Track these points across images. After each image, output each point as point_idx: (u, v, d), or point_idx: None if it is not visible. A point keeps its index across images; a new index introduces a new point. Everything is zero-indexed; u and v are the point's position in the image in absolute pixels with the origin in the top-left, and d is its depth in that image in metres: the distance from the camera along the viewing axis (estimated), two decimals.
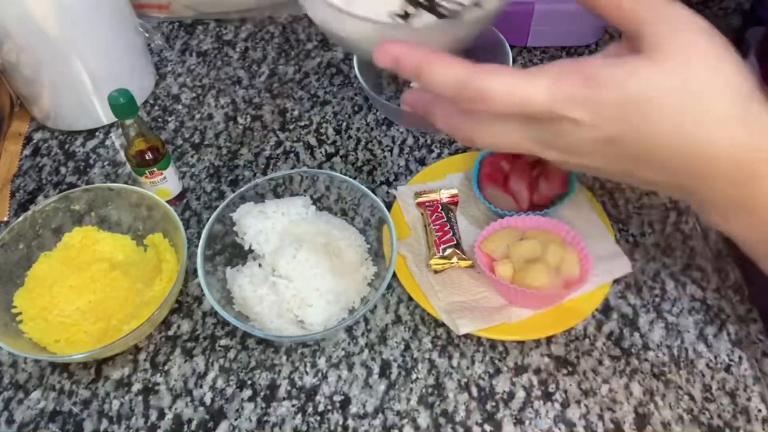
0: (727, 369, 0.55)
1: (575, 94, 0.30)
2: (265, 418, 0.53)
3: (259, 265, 0.59)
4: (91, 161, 0.73)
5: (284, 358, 0.56)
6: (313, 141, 0.74)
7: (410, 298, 0.59)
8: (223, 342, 0.57)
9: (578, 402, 0.53)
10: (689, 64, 0.30)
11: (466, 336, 0.56)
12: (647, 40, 0.31)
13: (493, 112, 0.33)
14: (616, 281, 0.60)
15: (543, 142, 0.34)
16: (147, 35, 0.82)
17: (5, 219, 0.68)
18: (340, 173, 0.64)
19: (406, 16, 0.43)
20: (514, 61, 0.79)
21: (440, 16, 0.43)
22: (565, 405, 0.53)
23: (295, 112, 0.77)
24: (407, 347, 0.56)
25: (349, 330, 0.58)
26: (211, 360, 0.56)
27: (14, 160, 0.73)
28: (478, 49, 0.75)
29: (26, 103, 0.76)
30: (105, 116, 0.76)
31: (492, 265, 0.56)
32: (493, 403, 0.53)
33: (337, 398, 0.54)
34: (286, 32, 0.88)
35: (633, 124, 0.31)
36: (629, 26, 0.32)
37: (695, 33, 0.31)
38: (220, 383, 0.55)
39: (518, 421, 0.52)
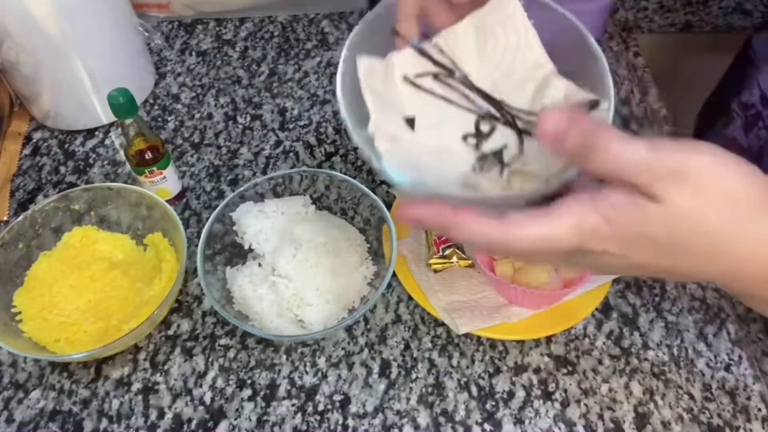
0: (727, 368, 0.55)
1: (600, 232, 0.32)
2: (265, 418, 0.53)
3: (259, 264, 0.59)
4: (91, 161, 0.73)
5: (284, 357, 0.56)
6: (312, 140, 0.74)
7: (410, 298, 0.59)
8: (222, 341, 0.57)
9: (578, 401, 0.53)
10: (699, 206, 0.31)
11: (466, 335, 0.56)
12: (651, 190, 0.31)
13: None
14: (616, 280, 0.60)
15: (574, 263, 0.35)
16: (147, 34, 0.82)
17: (5, 218, 0.68)
18: (340, 173, 0.64)
19: (479, 134, 0.40)
20: None
21: (519, 131, 0.39)
22: (564, 404, 0.53)
23: (295, 112, 0.77)
24: (407, 347, 0.56)
25: (348, 329, 0.58)
26: (210, 359, 0.56)
27: (14, 160, 0.73)
28: None
29: (26, 103, 0.76)
30: (105, 116, 0.76)
31: (492, 264, 0.56)
32: (493, 403, 0.53)
33: (337, 397, 0.54)
34: (286, 31, 0.88)
35: (658, 255, 0.32)
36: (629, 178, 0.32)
37: (697, 171, 0.31)
38: (219, 383, 0.55)
39: (518, 421, 0.52)
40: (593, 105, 0.37)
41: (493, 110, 0.40)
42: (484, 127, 0.40)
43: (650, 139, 0.30)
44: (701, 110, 0.86)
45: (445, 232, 0.34)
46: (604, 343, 0.56)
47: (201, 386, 0.55)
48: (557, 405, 0.53)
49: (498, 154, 0.39)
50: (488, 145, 0.40)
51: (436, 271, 0.59)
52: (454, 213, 0.33)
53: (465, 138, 0.40)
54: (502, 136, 0.39)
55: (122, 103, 0.57)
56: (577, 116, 0.31)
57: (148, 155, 0.62)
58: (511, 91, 0.40)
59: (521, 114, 0.40)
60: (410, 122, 0.40)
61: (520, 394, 0.53)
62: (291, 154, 0.72)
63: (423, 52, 0.41)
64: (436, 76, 0.41)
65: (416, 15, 0.40)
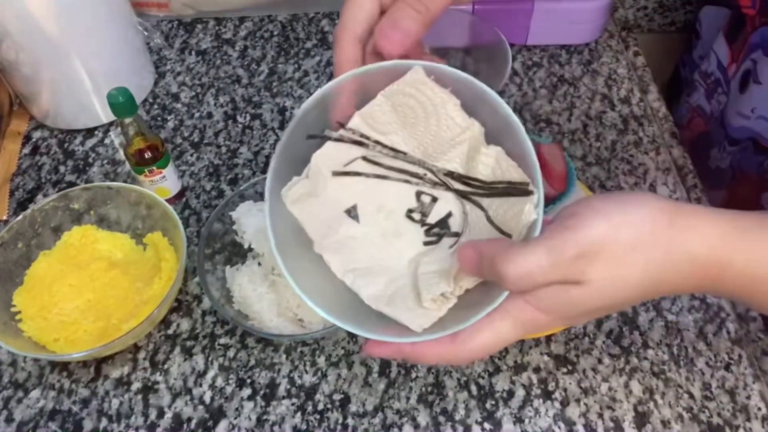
0: (727, 367, 0.55)
1: (539, 322, 0.36)
2: (265, 417, 0.53)
3: (259, 263, 0.59)
4: (91, 160, 0.73)
5: (284, 356, 0.56)
6: None
7: None
8: (222, 341, 0.57)
9: (578, 400, 0.53)
10: (616, 272, 0.34)
11: None
12: (571, 279, 0.34)
13: None
14: None
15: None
16: (146, 34, 0.82)
17: (4, 218, 0.68)
18: None
19: (422, 206, 0.40)
20: (513, 59, 0.79)
21: (461, 194, 0.40)
22: (564, 403, 0.53)
23: (295, 111, 0.77)
24: None
25: None
26: (210, 359, 0.56)
27: (13, 159, 0.73)
28: (479, 48, 0.75)
29: (25, 102, 0.76)
30: (104, 115, 0.76)
31: None
32: (493, 402, 0.53)
33: (337, 397, 0.54)
34: (286, 31, 0.87)
35: (598, 315, 0.37)
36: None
37: (599, 243, 0.33)
38: (219, 382, 0.55)
39: (518, 420, 0.52)
40: (522, 190, 0.37)
41: (430, 177, 0.40)
42: (426, 198, 0.41)
43: (547, 238, 0.33)
44: (668, 82, 0.89)
45: (408, 360, 0.41)
46: (603, 342, 0.56)
47: (201, 385, 0.55)
48: (557, 404, 0.53)
49: (444, 223, 0.40)
50: (433, 216, 0.41)
51: None
52: (412, 348, 0.37)
53: (410, 213, 0.41)
54: (446, 204, 0.41)
55: (122, 102, 0.57)
56: (483, 249, 0.35)
57: (148, 154, 0.62)
58: (443, 156, 0.40)
59: (459, 179, 0.40)
60: (351, 212, 0.41)
61: (520, 393, 0.53)
62: None
63: (344, 139, 0.40)
64: (365, 158, 0.40)
65: (354, 103, 0.40)
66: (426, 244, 0.41)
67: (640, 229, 0.33)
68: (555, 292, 0.34)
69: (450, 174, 0.40)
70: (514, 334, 0.36)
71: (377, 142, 0.40)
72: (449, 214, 0.40)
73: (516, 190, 0.38)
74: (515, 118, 0.37)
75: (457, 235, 0.40)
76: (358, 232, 0.41)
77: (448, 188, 0.40)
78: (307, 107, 0.39)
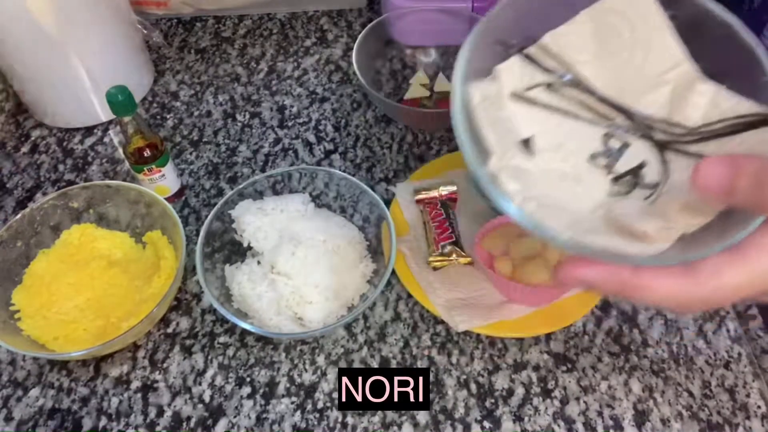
0: (727, 365, 0.55)
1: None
2: (264, 416, 0.53)
3: (258, 262, 0.58)
4: (90, 158, 0.73)
5: (283, 355, 0.56)
6: (311, 138, 0.74)
7: (409, 295, 0.59)
8: (222, 339, 0.57)
9: (577, 399, 0.53)
10: None
11: (466, 333, 0.56)
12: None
13: None
14: None
15: (763, 294, 0.31)
16: (145, 32, 0.82)
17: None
18: (339, 170, 0.64)
19: (609, 152, 0.34)
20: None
21: (659, 144, 0.34)
22: (564, 402, 0.53)
23: (294, 109, 0.77)
24: (406, 344, 0.56)
25: (348, 327, 0.58)
26: (210, 357, 0.56)
27: None
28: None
29: (23, 98, 0.76)
30: (103, 113, 0.76)
31: (491, 262, 0.56)
32: (493, 400, 0.53)
33: (336, 395, 0.54)
34: (285, 29, 0.87)
35: None
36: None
37: None
38: (219, 380, 0.55)
39: (517, 418, 0.52)
40: (760, 121, 0.31)
41: (622, 121, 0.34)
42: (614, 143, 0.34)
43: None
44: None
45: (622, 295, 0.30)
46: (603, 341, 0.56)
47: (200, 384, 0.55)
48: (556, 402, 0.53)
49: (636, 172, 0.34)
50: (622, 165, 0.34)
51: (435, 268, 0.59)
52: (633, 274, 0.29)
53: (594, 158, 0.34)
54: (639, 152, 0.34)
55: (121, 101, 0.57)
56: (741, 161, 0.27)
57: (147, 153, 0.61)
58: (642, 97, 0.34)
59: (658, 124, 0.34)
60: (527, 144, 0.34)
61: (520, 391, 0.53)
62: (290, 152, 0.72)
63: (530, 58, 0.35)
64: (549, 86, 0.35)
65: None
66: (611, 195, 0.34)
67: None
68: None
69: (648, 118, 0.34)
70: (743, 292, 0.28)
71: (567, 72, 0.35)
72: (643, 164, 0.34)
73: (747, 124, 0.31)
74: (757, 48, 0.31)
75: (654, 186, 0.33)
76: (532, 167, 0.34)
77: (645, 135, 0.34)
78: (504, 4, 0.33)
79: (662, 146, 0.34)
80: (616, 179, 0.34)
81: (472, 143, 0.31)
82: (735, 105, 0.32)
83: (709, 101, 0.33)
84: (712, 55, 0.33)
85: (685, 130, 0.33)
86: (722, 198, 0.28)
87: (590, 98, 0.35)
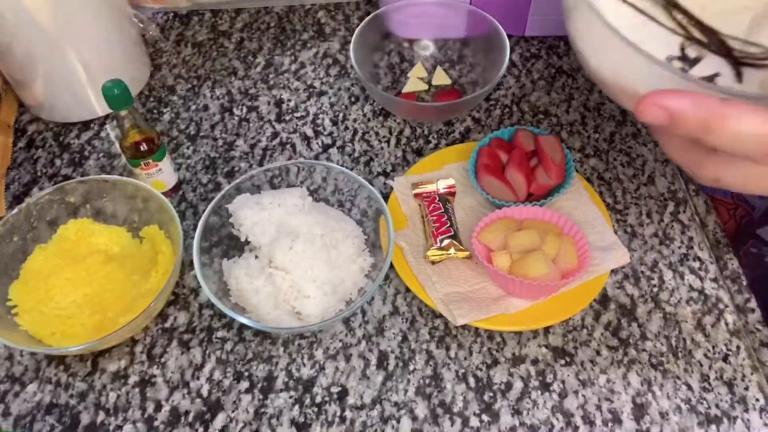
0: (725, 359, 0.55)
1: None
2: (263, 410, 0.53)
3: (256, 256, 0.58)
4: (86, 153, 0.73)
5: (281, 349, 0.56)
6: (309, 132, 0.73)
7: (407, 290, 0.59)
8: (219, 334, 0.57)
9: (576, 392, 0.53)
10: None
11: (464, 327, 0.56)
12: None
13: None
14: (614, 271, 0.60)
15: None
16: (142, 26, 0.82)
17: (1, 215, 0.67)
18: (337, 164, 0.64)
19: (685, 59, 0.35)
20: (511, 51, 0.79)
21: (736, 61, 0.34)
22: (562, 395, 0.53)
23: (291, 103, 0.77)
24: (405, 338, 0.56)
25: (346, 321, 0.58)
26: (207, 352, 0.56)
27: (6, 153, 0.73)
28: (477, 40, 0.75)
29: (19, 93, 0.76)
30: (100, 108, 0.75)
31: (489, 255, 0.56)
32: (491, 394, 0.53)
33: (335, 389, 0.54)
34: (282, 22, 0.87)
35: None
36: None
37: None
38: (217, 375, 0.55)
39: (516, 412, 0.52)
40: None
41: (700, 36, 0.35)
42: (691, 52, 0.35)
43: None
44: None
45: (703, 129, 0.28)
46: (602, 334, 0.56)
47: (198, 379, 0.55)
48: (555, 396, 0.53)
49: (710, 79, 0.34)
50: (696, 71, 0.35)
51: (433, 262, 0.59)
52: (722, 103, 0.27)
53: (669, 59, 0.35)
54: (714, 64, 0.35)
55: (117, 95, 0.57)
56: None
57: (144, 147, 0.61)
58: (725, 16, 0.35)
59: (736, 43, 0.35)
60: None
61: (518, 385, 0.53)
62: (288, 146, 0.72)
63: None
64: None
65: None
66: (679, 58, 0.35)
67: None
68: None
69: (728, 36, 0.35)
70: None
71: None
72: (717, 74, 0.35)
73: None
74: None
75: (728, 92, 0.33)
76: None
77: (722, 52, 0.35)
78: None
79: (737, 62, 0.34)
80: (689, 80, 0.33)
81: None
82: None
83: None
84: None
85: (761, 50, 0.34)
86: None
87: (675, 10, 0.35)
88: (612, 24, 0.31)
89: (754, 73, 0.34)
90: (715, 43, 0.35)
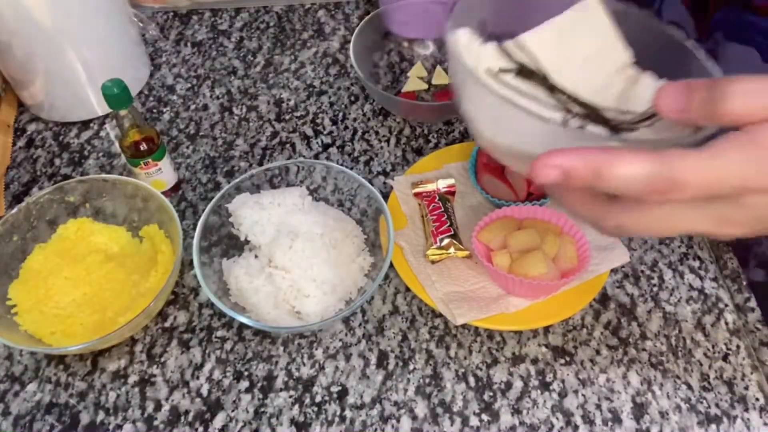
0: (725, 358, 0.54)
1: (764, 164, 0.30)
2: (262, 409, 0.53)
3: (255, 256, 0.58)
4: (86, 152, 0.73)
5: (281, 349, 0.56)
6: (309, 131, 0.73)
7: (407, 289, 0.59)
8: (219, 333, 0.57)
9: (576, 392, 0.53)
10: None
11: (464, 326, 0.56)
12: None
13: (682, 200, 0.31)
14: (614, 271, 0.60)
15: (722, 220, 0.32)
16: (141, 25, 0.82)
17: (1, 214, 0.67)
18: (337, 164, 0.64)
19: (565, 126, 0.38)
20: None
21: (613, 128, 0.38)
22: (562, 395, 0.53)
23: (291, 103, 0.77)
24: (404, 338, 0.56)
25: (346, 321, 0.58)
26: (207, 351, 0.56)
27: (6, 152, 0.73)
28: None
29: (19, 92, 0.76)
30: (99, 107, 0.75)
31: (489, 255, 0.56)
32: (491, 393, 0.53)
33: (335, 389, 0.54)
34: (282, 22, 0.87)
35: None
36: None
37: None
38: (216, 374, 0.55)
39: (516, 411, 0.52)
40: None
41: (579, 109, 0.39)
42: (574, 123, 0.38)
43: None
44: None
45: (595, 177, 0.30)
46: (601, 334, 0.56)
47: (198, 378, 0.55)
48: (555, 395, 0.53)
49: None
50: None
51: (433, 262, 0.59)
52: (604, 151, 0.30)
53: None
54: (596, 133, 0.38)
55: (116, 94, 0.57)
56: (692, 82, 0.30)
57: (143, 147, 0.61)
58: (597, 91, 0.39)
59: (611, 112, 0.38)
60: None
61: (518, 384, 0.53)
62: (287, 145, 0.72)
63: (505, 50, 0.41)
64: (519, 73, 0.40)
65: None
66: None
67: None
68: None
69: (604, 108, 0.39)
70: (738, 169, 0.29)
71: (532, 70, 0.40)
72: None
73: None
74: (699, 51, 0.38)
75: None
76: None
77: (598, 121, 0.38)
78: None
79: (614, 128, 0.38)
80: None
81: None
82: None
83: (653, 92, 0.38)
84: (654, 54, 0.40)
85: (632, 116, 0.38)
86: (680, 116, 0.31)
87: (553, 89, 0.40)
88: (503, 93, 0.34)
89: (630, 135, 0.38)
90: (593, 114, 0.39)
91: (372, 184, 0.59)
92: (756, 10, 0.58)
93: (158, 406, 0.53)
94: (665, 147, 0.30)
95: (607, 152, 0.30)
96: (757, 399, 0.52)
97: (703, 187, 0.30)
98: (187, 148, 0.72)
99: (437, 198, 0.62)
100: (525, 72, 0.40)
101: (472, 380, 0.54)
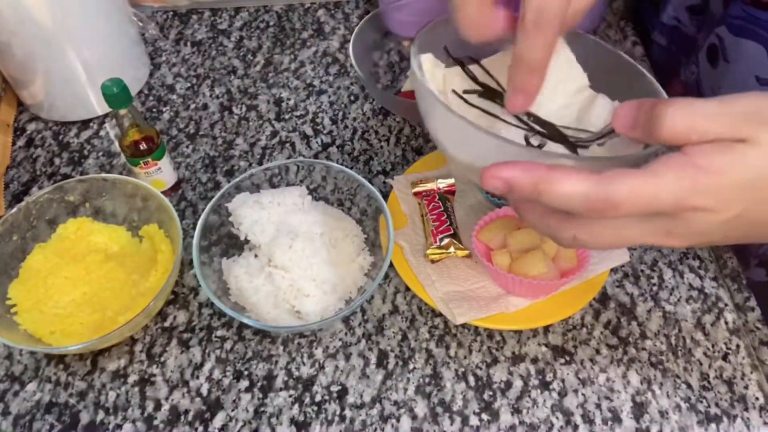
0: (725, 357, 0.54)
1: (699, 184, 0.31)
2: (262, 409, 0.53)
3: (255, 255, 0.58)
4: (86, 152, 0.73)
5: (281, 348, 0.56)
6: (309, 131, 0.73)
7: (407, 288, 0.59)
8: (219, 333, 0.57)
9: (576, 391, 0.53)
10: None
11: (464, 326, 0.56)
12: (739, 134, 0.31)
13: (622, 216, 0.33)
14: (614, 270, 0.60)
15: (665, 233, 0.34)
16: (141, 25, 0.82)
17: (1, 214, 0.67)
18: (337, 163, 0.64)
19: (530, 146, 0.40)
20: None
21: (572, 145, 0.40)
22: (562, 394, 0.53)
23: (291, 102, 0.77)
24: (404, 337, 0.56)
25: (346, 320, 0.58)
26: (207, 351, 0.56)
27: (6, 152, 0.73)
28: None
29: (18, 92, 0.76)
30: (99, 107, 0.75)
31: (489, 254, 0.56)
32: (491, 393, 0.53)
33: (335, 388, 0.54)
34: (282, 21, 0.87)
35: (755, 200, 0.32)
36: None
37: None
38: (216, 374, 0.55)
39: (515, 411, 0.52)
40: None
41: (540, 129, 0.41)
42: (534, 141, 0.40)
43: (718, 97, 0.31)
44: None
45: (535, 193, 0.32)
46: (601, 333, 0.56)
47: (198, 378, 0.55)
48: (555, 395, 0.53)
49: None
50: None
51: (433, 261, 0.59)
52: (548, 169, 0.32)
53: None
54: (554, 149, 0.40)
55: (116, 93, 0.57)
56: (642, 102, 0.32)
57: (143, 146, 0.61)
58: (556, 111, 0.42)
59: (569, 131, 0.41)
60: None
61: (518, 383, 0.53)
62: (287, 145, 0.72)
63: (469, 73, 0.44)
64: (482, 95, 0.43)
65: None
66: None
67: None
68: (719, 146, 0.30)
69: (562, 127, 0.41)
70: (668, 192, 0.31)
71: (495, 91, 0.43)
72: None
73: None
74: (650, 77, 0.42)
75: None
76: None
77: (559, 139, 0.40)
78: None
79: (572, 146, 0.40)
80: None
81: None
82: None
83: (608, 112, 0.42)
84: (608, 77, 0.43)
85: (589, 134, 0.41)
86: (630, 132, 0.33)
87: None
88: (465, 117, 0.37)
89: (586, 152, 0.41)
90: (553, 132, 0.41)
91: (372, 184, 0.59)
92: (764, 6, 0.58)
93: (158, 406, 0.53)
94: (612, 165, 0.32)
95: (551, 170, 0.32)
96: (757, 398, 0.52)
97: (639, 206, 0.31)
98: (187, 147, 0.72)
99: (437, 197, 0.62)
100: (488, 93, 0.43)
101: (471, 380, 0.54)
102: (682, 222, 0.33)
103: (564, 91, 0.43)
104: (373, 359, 0.55)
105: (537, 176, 0.32)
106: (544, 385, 0.53)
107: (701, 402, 0.52)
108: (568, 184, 0.31)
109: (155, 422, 0.52)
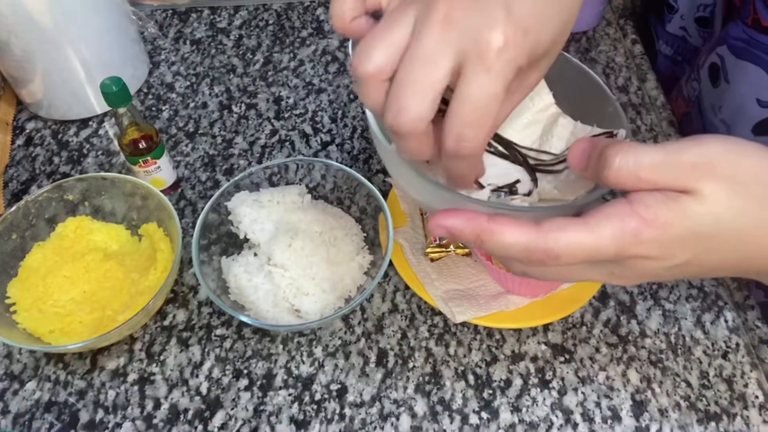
0: (725, 356, 0.54)
1: (641, 235, 0.31)
2: (262, 408, 0.53)
3: (255, 254, 0.58)
4: (85, 151, 0.73)
5: (280, 347, 0.56)
6: (308, 129, 0.73)
7: (407, 287, 0.59)
8: (218, 331, 0.57)
9: (575, 389, 0.53)
10: (736, 193, 0.31)
11: (463, 324, 0.56)
12: (684, 186, 0.31)
13: (560, 265, 0.34)
14: None
15: (609, 275, 0.35)
16: (140, 23, 0.81)
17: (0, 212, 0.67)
18: (336, 162, 0.64)
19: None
20: None
21: (531, 168, 0.40)
22: (562, 392, 0.53)
23: (290, 100, 0.76)
24: (404, 336, 0.56)
25: (345, 319, 0.58)
26: (207, 349, 0.56)
27: (5, 151, 0.73)
28: None
29: (17, 90, 0.75)
30: (98, 105, 0.75)
31: None
32: (490, 391, 0.53)
33: (334, 387, 0.54)
34: (281, 19, 0.87)
35: (702, 249, 0.32)
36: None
37: (719, 160, 0.31)
38: (216, 373, 0.55)
39: (515, 409, 0.52)
40: (606, 134, 0.40)
41: (501, 148, 0.41)
42: (485, 194, 0.40)
43: (665, 144, 0.31)
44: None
45: (478, 242, 0.33)
46: (601, 331, 0.56)
47: (197, 376, 0.55)
48: (554, 393, 0.53)
49: (512, 186, 0.40)
50: (500, 180, 0.40)
51: (432, 259, 0.59)
52: (489, 219, 0.32)
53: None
54: (514, 173, 0.41)
55: (115, 92, 0.57)
56: (596, 142, 0.33)
57: (142, 145, 0.61)
58: (519, 132, 0.42)
59: (531, 152, 0.41)
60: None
61: (517, 382, 0.53)
62: (287, 143, 0.72)
63: None
64: (440, 112, 0.42)
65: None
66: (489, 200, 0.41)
67: (763, 162, 0.31)
68: (663, 197, 0.30)
69: (524, 148, 0.41)
70: (607, 245, 0.31)
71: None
72: (517, 181, 0.40)
73: None
74: (611, 96, 0.42)
75: (528, 194, 0.39)
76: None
77: (519, 161, 0.41)
78: None
79: (533, 168, 0.41)
80: (494, 190, 0.40)
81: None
82: (589, 132, 0.41)
83: (569, 132, 0.42)
84: (573, 96, 0.43)
85: (550, 157, 0.41)
86: (582, 173, 0.34)
87: None
88: (417, 168, 0.37)
89: (546, 177, 0.41)
90: (513, 154, 0.41)
91: (371, 182, 0.59)
92: (765, 30, 0.58)
93: (157, 405, 0.53)
94: (553, 215, 0.32)
95: (492, 220, 0.32)
96: (757, 397, 0.52)
97: (578, 257, 0.32)
98: (186, 146, 0.72)
99: None
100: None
101: (471, 378, 0.54)
102: (626, 267, 0.33)
103: (529, 107, 0.43)
104: (373, 358, 0.55)
105: (478, 227, 0.33)
106: (544, 384, 0.53)
107: (701, 400, 0.52)
108: (510, 237, 0.32)
109: (155, 421, 0.52)
